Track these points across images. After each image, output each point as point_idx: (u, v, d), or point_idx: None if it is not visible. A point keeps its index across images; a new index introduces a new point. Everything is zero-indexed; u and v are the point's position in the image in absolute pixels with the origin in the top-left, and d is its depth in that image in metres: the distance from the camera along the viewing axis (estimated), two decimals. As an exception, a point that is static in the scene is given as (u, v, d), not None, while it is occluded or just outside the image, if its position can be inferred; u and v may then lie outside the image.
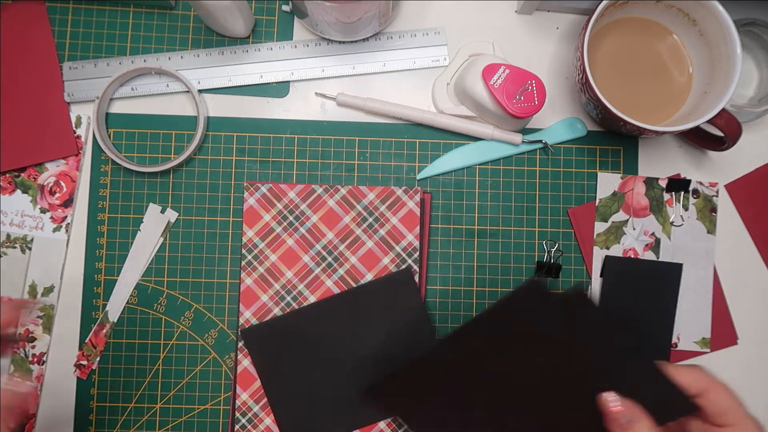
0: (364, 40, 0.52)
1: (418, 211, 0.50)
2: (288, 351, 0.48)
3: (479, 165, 0.52)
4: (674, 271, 0.51)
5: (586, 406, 0.36)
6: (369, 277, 0.49)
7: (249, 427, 0.48)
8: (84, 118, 0.51)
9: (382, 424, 0.48)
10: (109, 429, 0.50)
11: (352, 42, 0.52)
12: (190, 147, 0.50)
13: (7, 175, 0.51)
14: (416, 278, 0.49)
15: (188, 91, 0.51)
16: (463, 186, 0.52)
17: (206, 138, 0.52)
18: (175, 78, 0.51)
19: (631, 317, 0.41)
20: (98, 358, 0.50)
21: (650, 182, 0.52)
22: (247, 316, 0.49)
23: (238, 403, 0.48)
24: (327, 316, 0.49)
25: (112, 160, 0.51)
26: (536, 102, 0.47)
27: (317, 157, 0.52)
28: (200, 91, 0.52)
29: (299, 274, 0.50)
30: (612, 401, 0.34)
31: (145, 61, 0.51)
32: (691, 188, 0.52)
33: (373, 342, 0.48)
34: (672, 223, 0.52)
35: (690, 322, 0.52)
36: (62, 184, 0.51)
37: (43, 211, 0.50)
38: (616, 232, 0.52)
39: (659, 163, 0.53)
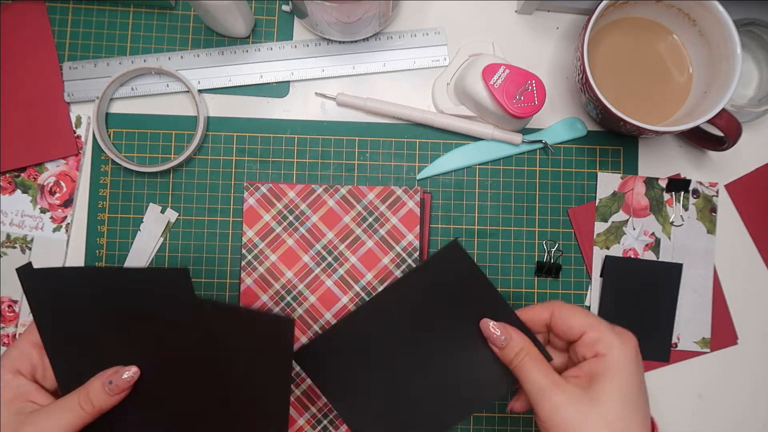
0: (364, 40, 0.52)
1: (418, 210, 0.50)
2: (343, 359, 0.42)
3: (479, 165, 0.52)
4: (674, 271, 0.51)
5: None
6: (369, 277, 0.49)
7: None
8: (84, 118, 0.51)
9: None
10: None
11: (352, 42, 0.52)
12: (190, 147, 0.50)
13: (7, 175, 0.51)
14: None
15: (188, 91, 0.51)
16: (463, 186, 0.52)
17: (206, 138, 0.52)
18: (175, 78, 0.51)
19: None
20: (98, 358, 0.50)
21: (650, 182, 0.52)
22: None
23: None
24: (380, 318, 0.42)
25: (112, 160, 0.51)
26: (536, 102, 0.47)
27: (317, 157, 0.52)
28: (200, 91, 0.52)
29: (299, 274, 0.50)
30: (491, 325, 0.39)
31: (145, 61, 0.51)
32: (691, 188, 0.52)
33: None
34: (672, 223, 0.52)
35: (690, 322, 0.52)
36: (62, 184, 0.51)
37: (43, 211, 0.50)
38: (616, 232, 0.52)
39: (659, 163, 0.53)
